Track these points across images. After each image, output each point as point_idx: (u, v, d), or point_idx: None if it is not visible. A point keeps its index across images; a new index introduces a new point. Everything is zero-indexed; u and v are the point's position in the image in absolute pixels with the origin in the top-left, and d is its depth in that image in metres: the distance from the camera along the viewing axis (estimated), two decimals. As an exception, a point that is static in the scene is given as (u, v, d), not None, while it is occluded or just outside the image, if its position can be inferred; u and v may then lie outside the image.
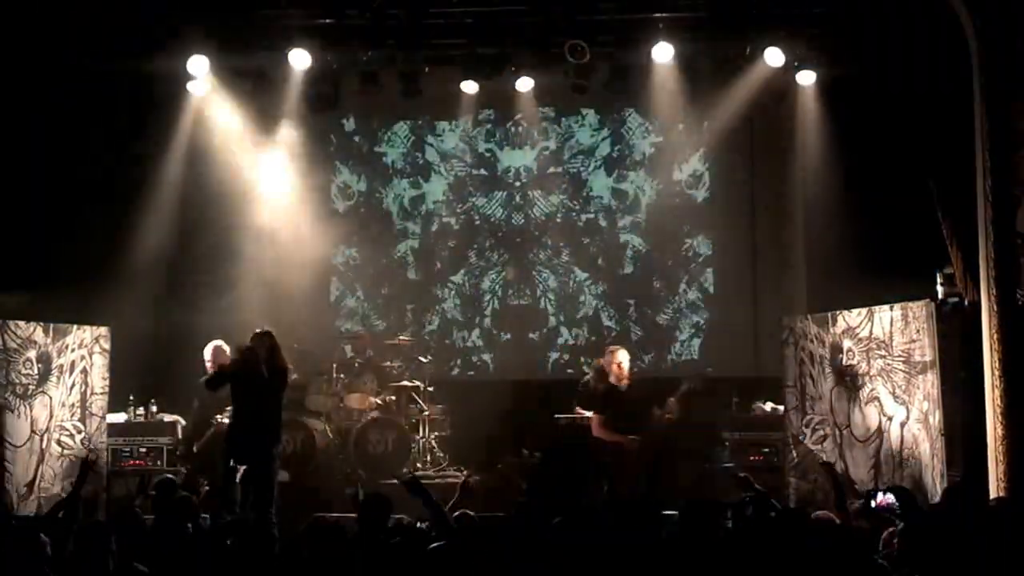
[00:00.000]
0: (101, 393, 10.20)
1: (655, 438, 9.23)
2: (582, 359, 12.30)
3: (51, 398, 9.95)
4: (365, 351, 11.65)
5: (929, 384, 8.73)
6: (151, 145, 11.09)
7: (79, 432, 10.06)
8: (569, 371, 12.44)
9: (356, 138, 13.05)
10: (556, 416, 10.30)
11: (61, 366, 9.98)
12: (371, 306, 12.90)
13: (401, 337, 11.89)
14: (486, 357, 12.82)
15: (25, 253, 10.14)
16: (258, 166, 11.75)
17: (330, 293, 12.90)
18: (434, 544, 5.62)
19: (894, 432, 9.02)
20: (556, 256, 12.84)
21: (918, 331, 8.86)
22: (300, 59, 10.53)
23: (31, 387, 9.79)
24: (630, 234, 12.80)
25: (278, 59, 10.57)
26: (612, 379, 9.37)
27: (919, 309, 8.93)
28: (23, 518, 8.45)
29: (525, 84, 11.12)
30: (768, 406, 10.53)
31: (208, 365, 9.45)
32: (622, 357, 9.39)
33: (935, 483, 8.56)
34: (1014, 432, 7.86)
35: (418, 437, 11.15)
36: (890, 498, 4.59)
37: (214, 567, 5.52)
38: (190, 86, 10.86)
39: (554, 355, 12.78)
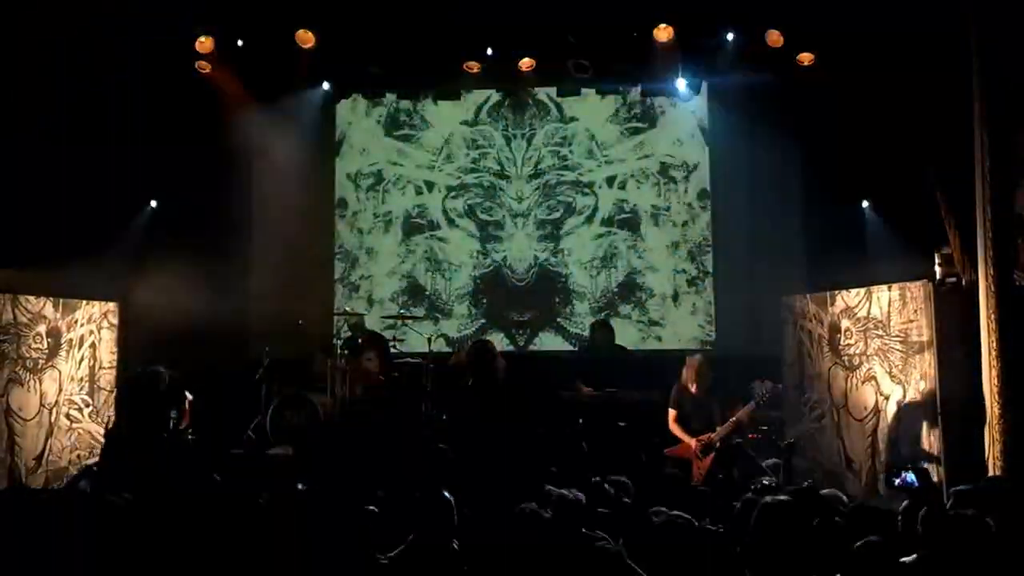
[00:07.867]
0: (109, 367, 10.36)
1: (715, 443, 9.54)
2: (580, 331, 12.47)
3: (60, 372, 10.07)
4: (368, 327, 11.77)
5: (926, 364, 8.79)
6: (160, 121, 11.14)
7: (87, 405, 10.20)
8: (568, 346, 12.58)
9: (361, 117, 13.11)
10: (560, 391, 10.42)
11: (70, 340, 10.11)
12: (374, 283, 12.99)
13: (403, 313, 12.00)
14: (488, 332, 12.91)
15: (36, 229, 10.20)
16: (263, 144, 11.81)
17: (334, 270, 13.00)
18: None
19: (890, 411, 9.11)
20: (554, 233, 12.93)
21: (915, 311, 8.91)
22: (305, 38, 10.59)
23: (40, 361, 9.91)
24: (631, 213, 12.87)
25: (284, 38, 10.64)
26: (689, 383, 9.74)
27: (917, 289, 8.97)
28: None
29: (528, 64, 11.19)
30: (767, 384, 10.61)
31: None
32: (695, 366, 9.76)
33: (931, 462, 8.65)
34: (1010, 412, 7.93)
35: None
36: (910, 477, 4.65)
37: None
38: (197, 64, 10.92)
39: (554, 330, 12.88)
